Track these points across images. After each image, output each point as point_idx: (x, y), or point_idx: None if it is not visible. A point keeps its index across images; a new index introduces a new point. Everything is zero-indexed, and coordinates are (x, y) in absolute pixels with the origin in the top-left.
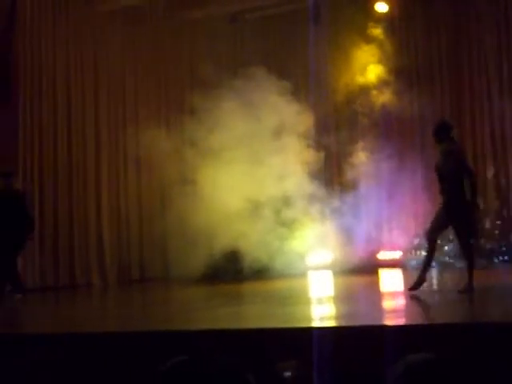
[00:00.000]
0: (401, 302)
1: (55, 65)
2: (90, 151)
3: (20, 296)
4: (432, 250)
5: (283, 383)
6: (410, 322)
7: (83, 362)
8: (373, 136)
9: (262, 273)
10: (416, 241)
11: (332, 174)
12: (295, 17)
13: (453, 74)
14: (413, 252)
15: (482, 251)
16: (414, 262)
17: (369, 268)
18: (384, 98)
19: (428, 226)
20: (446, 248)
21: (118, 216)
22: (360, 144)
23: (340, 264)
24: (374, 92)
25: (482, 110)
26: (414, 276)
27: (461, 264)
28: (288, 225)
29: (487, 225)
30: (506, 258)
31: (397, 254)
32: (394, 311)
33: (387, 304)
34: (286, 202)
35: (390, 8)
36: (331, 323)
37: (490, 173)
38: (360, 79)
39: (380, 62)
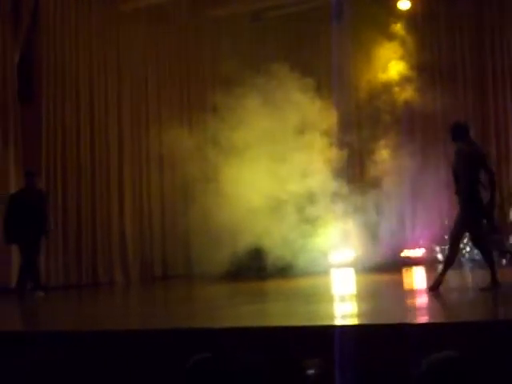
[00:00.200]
0: (424, 300)
1: (78, 65)
2: (113, 150)
3: (42, 293)
4: (454, 250)
5: (307, 381)
6: (433, 320)
7: (105, 360)
8: (395, 133)
9: (285, 270)
10: (440, 238)
11: (355, 172)
12: (317, 14)
13: (476, 71)
14: (437, 250)
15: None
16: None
17: (392, 266)
18: (406, 95)
19: (452, 225)
20: None
21: (141, 214)
22: (382, 141)
23: (363, 262)
24: (397, 89)
25: (505, 110)
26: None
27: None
28: (311, 222)
29: None
30: None
31: (420, 252)
32: (417, 309)
33: (410, 302)
34: (310, 199)
35: (412, 5)
36: (354, 321)
37: None
38: (382, 76)
39: (402, 59)
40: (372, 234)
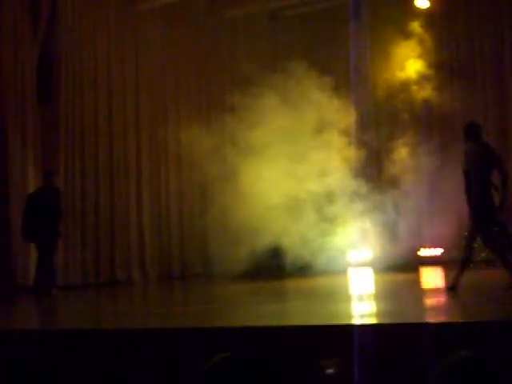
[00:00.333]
0: (441, 299)
1: (96, 64)
2: (131, 149)
3: (55, 291)
4: (470, 249)
5: (326, 380)
6: (450, 320)
7: (123, 359)
8: (413, 132)
9: (303, 269)
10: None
11: (373, 171)
12: (335, 13)
13: (495, 70)
14: (454, 249)
15: None
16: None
17: (409, 265)
18: (424, 93)
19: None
20: None
21: (159, 213)
22: (401, 140)
23: (381, 261)
24: (415, 87)
25: None
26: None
27: None
28: (329, 221)
29: None
30: None
31: (438, 251)
32: (435, 309)
33: (428, 301)
34: (328, 198)
35: (431, 4)
36: (372, 320)
37: None
38: (400, 75)
39: (420, 57)
40: (390, 233)
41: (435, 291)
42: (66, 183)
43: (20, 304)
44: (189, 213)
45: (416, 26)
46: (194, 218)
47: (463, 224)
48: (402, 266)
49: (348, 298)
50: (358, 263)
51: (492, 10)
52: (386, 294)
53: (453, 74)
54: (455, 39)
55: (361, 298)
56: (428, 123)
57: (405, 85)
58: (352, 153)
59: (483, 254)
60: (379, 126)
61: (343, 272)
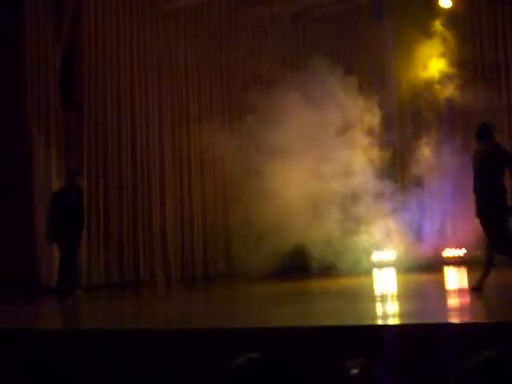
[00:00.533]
0: (466, 300)
1: (119, 66)
2: (154, 150)
3: (80, 291)
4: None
5: (350, 381)
6: (475, 320)
7: (148, 359)
8: (437, 131)
9: (327, 270)
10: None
11: (397, 170)
12: (358, 13)
13: None
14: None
15: None
16: None
17: (434, 265)
18: (448, 92)
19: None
20: None
21: (182, 213)
22: (425, 139)
23: (404, 261)
24: (438, 86)
25: None
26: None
27: None
28: (354, 222)
29: None
30: None
31: (462, 252)
32: (459, 309)
33: (452, 302)
34: (352, 198)
35: (453, 3)
36: (397, 321)
37: None
38: (424, 74)
39: (444, 56)
40: (414, 233)
41: (459, 292)
42: (89, 184)
43: (44, 304)
44: (212, 213)
45: (439, 25)
46: (217, 218)
47: None
48: (426, 267)
49: (372, 299)
50: (382, 263)
51: None
52: (410, 295)
53: (477, 73)
54: (479, 38)
55: (385, 299)
56: (452, 122)
57: (428, 84)
58: (376, 152)
59: None
60: (403, 125)
61: (367, 272)
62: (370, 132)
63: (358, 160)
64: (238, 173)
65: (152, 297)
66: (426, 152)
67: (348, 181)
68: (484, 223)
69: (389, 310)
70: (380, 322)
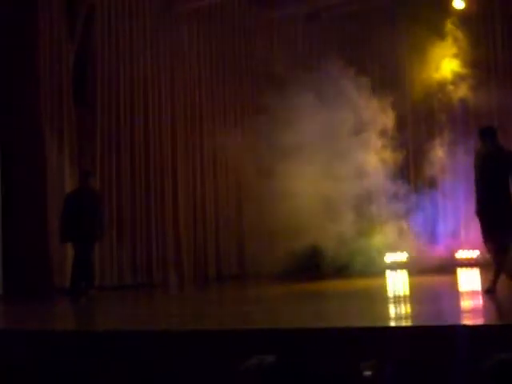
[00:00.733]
0: (479, 301)
1: (132, 65)
2: (167, 150)
3: (93, 292)
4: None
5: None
6: (489, 322)
7: (162, 360)
8: (450, 132)
9: (341, 270)
10: None
11: (410, 171)
12: (372, 14)
13: None
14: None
15: None
16: None
17: (447, 267)
18: (461, 92)
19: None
20: None
21: (195, 214)
22: (438, 140)
23: (417, 263)
24: (451, 87)
25: None
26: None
27: None
28: (367, 222)
29: None
30: None
31: (475, 253)
32: (472, 311)
33: (465, 304)
34: (366, 199)
35: (466, 5)
36: (410, 322)
37: None
38: (437, 75)
39: (456, 57)
40: (427, 234)
41: (472, 293)
42: (102, 185)
43: (58, 305)
44: (225, 213)
45: (452, 26)
46: (230, 219)
47: None
48: (439, 268)
49: (385, 300)
50: (395, 265)
51: None
52: (422, 296)
53: (490, 74)
54: (492, 38)
55: (398, 300)
56: (465, 123)
57: (441, 85)
58: (389, 153)
59: None
60: (416, 126)
61: (380, 274)
62: (383, 133)
63: (371, 161)
64: (252, 173)
65: (165, 298)
66: (439, 153)
67: (361, 182)
68: (489, 218)
69: (402, 312)
70: (393, 323)
